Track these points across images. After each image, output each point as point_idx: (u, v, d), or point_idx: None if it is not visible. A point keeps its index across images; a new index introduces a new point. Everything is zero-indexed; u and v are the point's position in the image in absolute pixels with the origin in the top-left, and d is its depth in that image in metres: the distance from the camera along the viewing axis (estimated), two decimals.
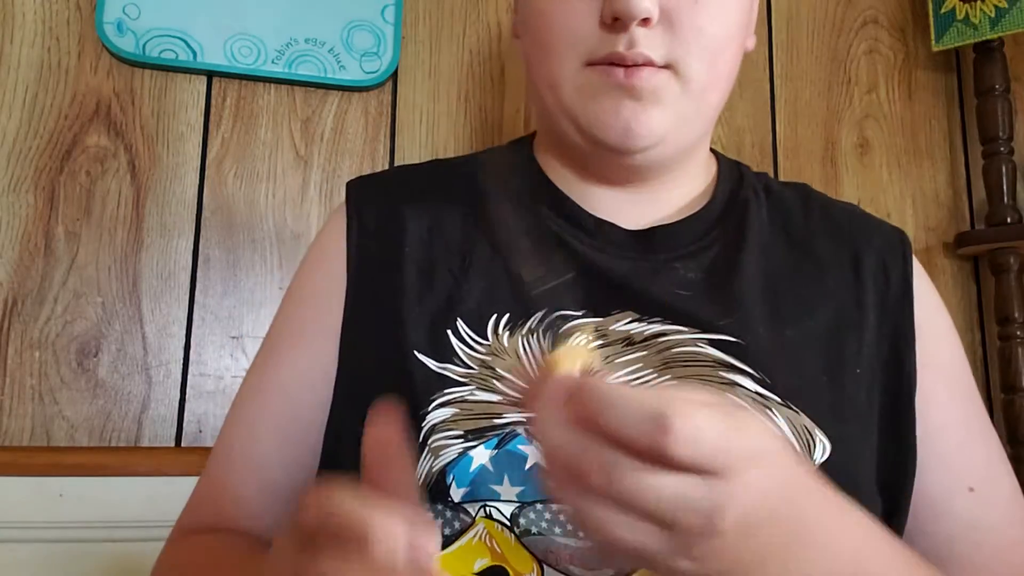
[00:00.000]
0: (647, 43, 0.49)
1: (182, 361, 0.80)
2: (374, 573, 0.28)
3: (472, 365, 0.49)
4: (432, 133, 0.89)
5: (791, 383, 0.50)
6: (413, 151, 0.88)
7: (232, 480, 0.55)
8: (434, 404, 0.47)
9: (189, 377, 0.80)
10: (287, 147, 0.85)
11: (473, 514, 0.45)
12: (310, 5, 0.84)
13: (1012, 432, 0.91)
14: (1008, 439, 0.91)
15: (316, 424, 0.53)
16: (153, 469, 0.69)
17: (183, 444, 0.79)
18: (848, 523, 0.37)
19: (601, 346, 0.50)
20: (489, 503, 0.45)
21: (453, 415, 0.47)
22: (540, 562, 0.44)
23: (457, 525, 0.45)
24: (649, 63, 0.49)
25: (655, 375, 0.49)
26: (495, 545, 0.44)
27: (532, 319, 0.51)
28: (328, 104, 0.86)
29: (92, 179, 0.80)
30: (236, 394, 0.58)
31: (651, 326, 0.51)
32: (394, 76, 0.88)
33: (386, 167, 0.87)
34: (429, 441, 0.46)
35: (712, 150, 0.63)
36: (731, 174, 0.61)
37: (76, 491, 0.68)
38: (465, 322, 0.50)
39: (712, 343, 0.50)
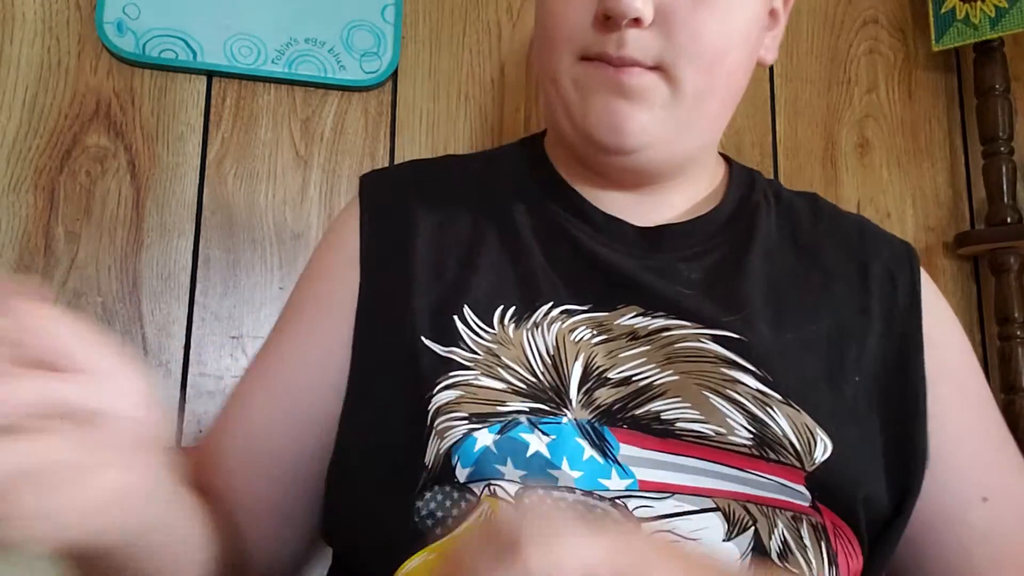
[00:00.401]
0: (638, 44, 0.49)
1: (182, 361, 0.80)
2: None
3: (478, 351, 0.49)
4: (432, 133, 0.89)
5: (792, 382, 0.50)
6: (413, 151, 0.88)
7: (219, 437, 0.55)
8: (439, 387, 0.48)
9: (189, 377, 0.80)
10: (287, 147, 0.85)
11: (478, 493, 0.45)
12: (310, 5, 0.84)
13: (1012, 432, 0.91)
14: None
15: (315, 403, 0.52)
16: None
17: (183, 444, 0.79)
18: None
19: (605, 341, 0.50)
20: (494, 482, 0.45)
21: (458, 397, 0.47)
22: None
23: (463, 505, 0.45)
24: (636, 64, 0.49)
25: (658, 369, 0.50)
26: None
27: (537, 313, 0.51)
28: (328, 104, 0.86)
29: (92, 179, 0.80)
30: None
31: (655, 321, 0.51)
32: (394, 76, 0.88)
33: (386, 167, 0.87)
34: (435, 424, 0.46)
35: (723, 155, 0.64)
36: (742, 179, 0.61)
37: None
38: (472, 309, 0.51)
39: (716, 339, 0.51)
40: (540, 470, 0.45)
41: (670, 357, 0.50)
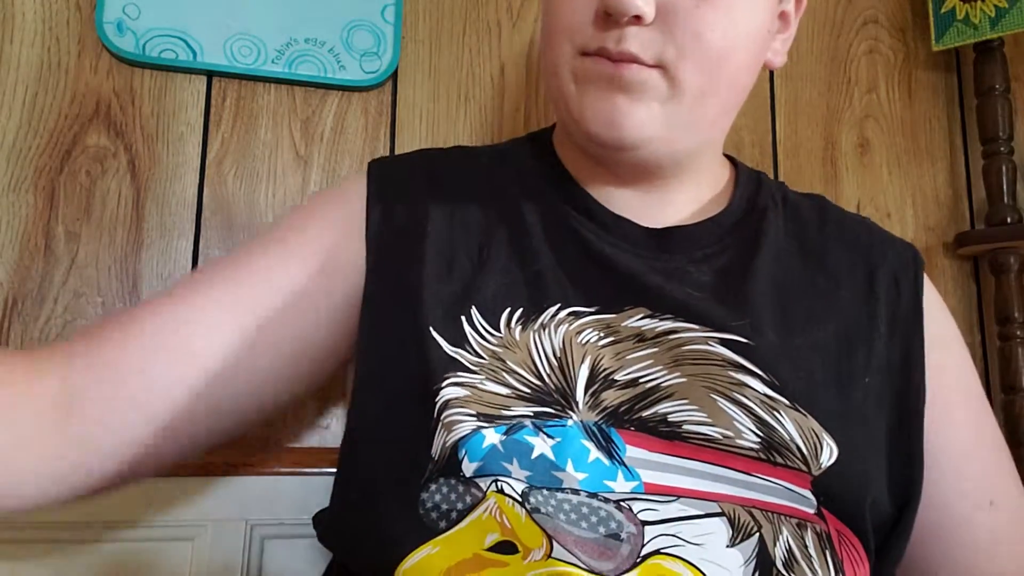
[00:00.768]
0: (638, 42, 0.49)
1: None
2: None
3: (483, 355, 0.49)
4: (432, 133, 0.89)
5: (799, 387, 0.50)
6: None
7: (127, 329, 0.50)
8: (448, 382, 0.48)
9: None
10: (287, 147, 0.85)
11: (484, 488, 0.45)
12: (310, 5, 0.84)
13: (1012, 432, 0.91)
14: (1008, 439, 0.90)
15: (273, 334, 0.51)
16: None
17: None
18: None
19: (612, 342, 0.50)
20: (501, 478, 0.45)
21: (465, 396, 0.47)
22: (550, 538, 0.44)
23: (468, 500, 0.45)
24: (635, 60, 0.49)
25: (665, 372, 0.49)
26: (505, 520, 0.44)
27: (544, 314, 0.51)
28: (328, 104, 0.86)
29: (92, 179, 0.79)
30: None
31: (663, 323, 0.51)
32: (394, 76, 0.88)
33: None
34: (443, 416, 0.46)
35: (729, 156, 0.63)
36: (749, 181, 0.61)
37: None
38: (479, 312, 0.50)
39: (723, 343, 0.50)
40: (545, 472, 0.45)
41: (677, 360, 0.50)
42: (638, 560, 0.44)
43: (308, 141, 0.85)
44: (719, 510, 0.46)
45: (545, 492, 0.45)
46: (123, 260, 0.79)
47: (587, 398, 0.48)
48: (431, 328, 0.49)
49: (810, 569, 0.46)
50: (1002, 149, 0.95)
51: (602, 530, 0.44)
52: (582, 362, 0.49)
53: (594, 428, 0.47)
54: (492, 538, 0.44)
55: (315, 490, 0.73)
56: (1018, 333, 0.92)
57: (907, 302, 0.56)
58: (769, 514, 0.47)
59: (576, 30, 0.51)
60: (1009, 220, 0.94)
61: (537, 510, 0.45)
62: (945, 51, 1.03)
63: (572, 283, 0.52)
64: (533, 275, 0.52)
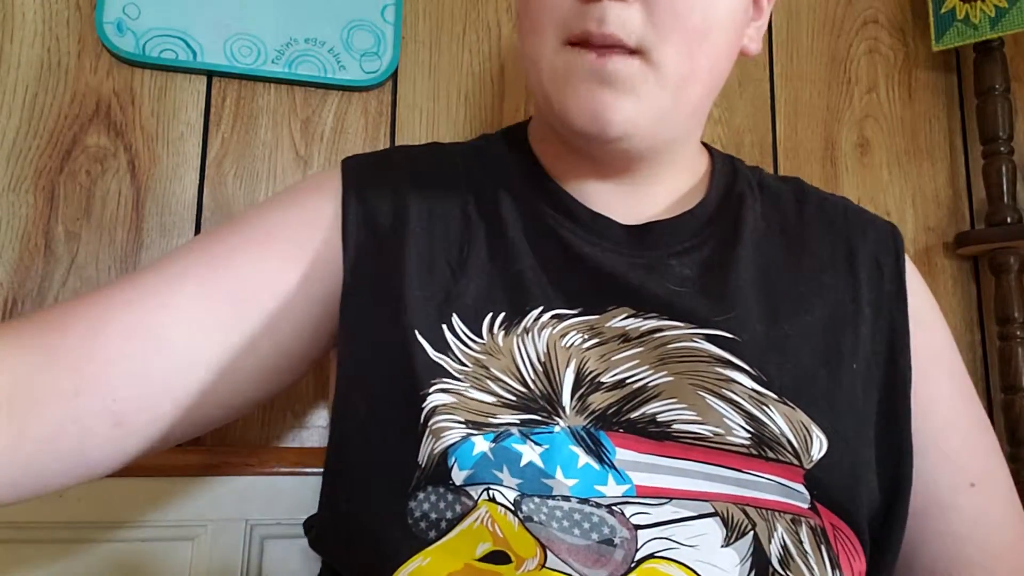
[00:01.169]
0: (620, 22, 0.48)
1: None
2: None
3: (467, 363, 0.48)
4: (432, 133, 0.89)
5: (787, 379, 0.50)
6: None
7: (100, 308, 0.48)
8: (434, 388, 0.47)
9: None
10: (287, 147, 0.85)
11: (475, 497, 0.44)
12: (310, 5, 0.84)
13: (1012, 432, 0.91)
14: (1008, 439, 0.91)
15: (253, 335, 0.50)
16: (153, 469, 0.69)
17: (182, 444, 0.79)
18: None
19: (597, 344, 0.50)
20: (492, 486, 0.45)
21: (453, 403, 0.47)
22: (544, 547, 0.43)
23: (459, 509, 0.44)
24: (619, 43, 0.48)
25: (652, 371, 0.49)
26: (497, 529, 0.44)
27: (527, 318, 0.51)
28: (328, 104, 0.86)
29: (92, 179, 0.80)
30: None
31: (647, 322, 0.51)
32: (394, 76, 0.88)
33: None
34: (430, 423, 0.46)
35: (704, 144, 0.63)
36: (725, 169, 0.61)
37: (76, 491, 0.68)
38: (461, 319, 0.50)
39: (709, 339, 0.50)
40: (535, 479, 0.45)
41: (663, 358, 0.49)
42: (632, 565, 0.43)
43: (308, 141, 0.85)
44: (712, 510, 0.46)
45: (537, 500, 0.44)
46: (123, 260, 0.79)
47: (574, 402, 0.48)
48: (416, 331, 0.49)
49: (806, 565, 0.46)
50: (1002, 149, 0.95)
51: (595, 536, 0.44)
52: (567, 366, 0.49)
53: (582, 432, 0.47)
54: (484, 548, 0.43)
55: (315, 490, 0.72)
56: (1018, 333, 0.92)
57: (890, 283, 0.56)
58: (763, 511, 0.46)
59: (558, 12, 0.50)
60: (1009, 220, 0.94)
61: (530, 519, 0.44)
62: (945, 51, 1.03)
63: (553, 284, 0.52)
64: (514, 275, 0.52)
